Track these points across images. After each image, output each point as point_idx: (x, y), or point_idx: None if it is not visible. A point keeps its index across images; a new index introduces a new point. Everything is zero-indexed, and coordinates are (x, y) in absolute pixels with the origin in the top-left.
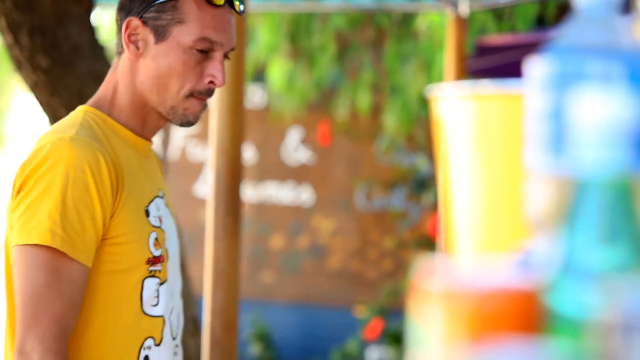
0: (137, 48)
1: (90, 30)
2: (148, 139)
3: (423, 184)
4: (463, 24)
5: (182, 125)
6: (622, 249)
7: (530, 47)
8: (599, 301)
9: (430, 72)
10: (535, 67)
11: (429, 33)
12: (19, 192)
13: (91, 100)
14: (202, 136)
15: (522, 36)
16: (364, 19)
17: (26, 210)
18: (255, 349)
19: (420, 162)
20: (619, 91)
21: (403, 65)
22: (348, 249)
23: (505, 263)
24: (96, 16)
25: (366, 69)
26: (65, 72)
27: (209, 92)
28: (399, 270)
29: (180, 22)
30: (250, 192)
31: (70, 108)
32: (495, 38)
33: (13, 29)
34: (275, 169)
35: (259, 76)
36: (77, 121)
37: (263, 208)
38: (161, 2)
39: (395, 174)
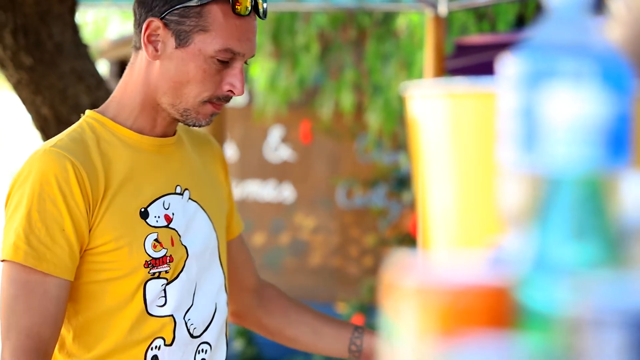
0: (156, 50)
1: (74, 29)
2: (161, 135)
3: (403, 182)
4: (442, 23)
5: (193, 126)
6: (592, 245)
7: (509, 47)
8: (570, 297)
9: (411, 71)
10: (508, 65)
11: (409, 32)
12: (5, 206)
13: (105, 103)
14: None
15: (500, 36)
16: (346, 18)
17: (4, 226)
18: (237, 345)
19: (403, 160)
20: (591, 89)
21: (384, 64)
22: (329, 246)
23: (478, 259)
24: (80, 15)
25: (348, 69)
26: (48, 70)
27: (227, 99)
28: (380, 267)
29: (203, 30)
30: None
31: (53, 107)
32: (475, 38)
33: None
34: (257, 167)
35: None
36: (70, 129)
37: (245, 205)
38: (185, 7)
39: (376, 172)
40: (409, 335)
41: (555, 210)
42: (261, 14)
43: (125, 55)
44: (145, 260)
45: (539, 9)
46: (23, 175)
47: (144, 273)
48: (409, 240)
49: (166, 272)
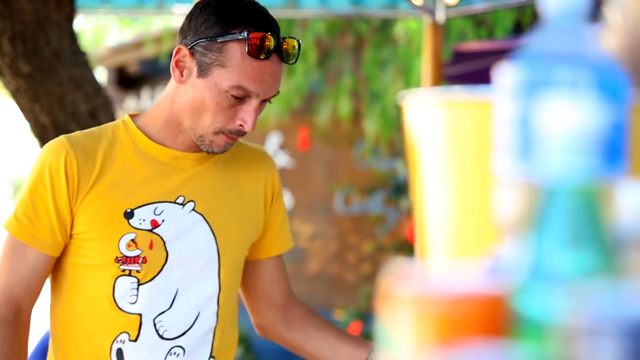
0: (181, 75)
1: (72, 37)
2: (183, 150)
3: (401, 189)
4: (440, 30)
5: (207, 152)
6: (588, 254)
7: (506, 53)
8: (565, 305)
9: (409, 78)
10: (504, 74)
11: (407, 39)
12: None
13: (146, 111)
14: None
15: (498, 42)
16: (343, 25)
17: None
18: (236, 352)
19: (400, 167)
20: (587, 99)
21: (382, 71)
22: (327, 253)
23: (475, 268)
24: (78, 22)
25: (346, 75)
26: (46, 78)
27: (239, 133)
28: (378, 274)
29: (222, 65)
30: None
31: (51, 114)
32: (472, 44)
33: None
34: None
35: None
36: (103, 125)
37: None
38: (210, 41)
39: (374, 179)
40: (405, 344)
41: (551, 219)
42: (288, 60)
43: (124, 63)
44: (116, 256)
45: (536, 16)
46: (36, 157)
47: (115, 268)
48: (406, 247)
49: (137, 271)
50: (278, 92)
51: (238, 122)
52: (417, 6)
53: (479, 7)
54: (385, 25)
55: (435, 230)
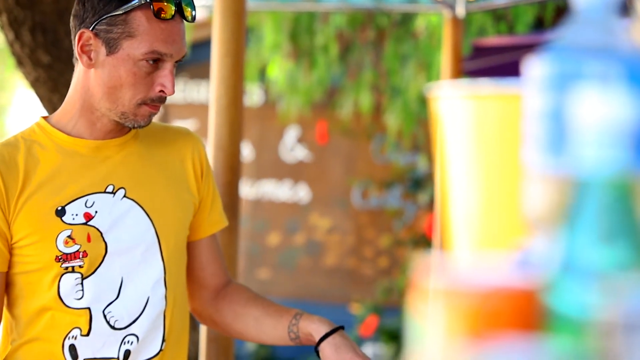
0: (90, 59)
1: None
2: (102, 138)
3: (419, 183)
4: (459, 25)
5: (133, 127)
6: (621, 248)
7: (526, 49)
8: (599, 300)
9: (430, 73)
10: (534, 67)
11: (428, 34)
12: None
13: (57, 110)
14: (201, 133)
15: (518, 38)
16: (364, 19)
17: None
18: (251, 345)
19: (421, 162)
20: (618, 92)
21: (403, 65)
22: (344, 246)
23: (505, 262)
24: None
25: (367, 69)
26: (65, 68)
27: (161, 99)
28: (394, 268)
29: (130, 35)
30: (247, 190)
31: None
32: (492, 39)
33: (15, 26)
34: (272, 166)
35: (258, 74)
36: (17, 132)
37: (260, 205)
38: (112, 16)
39: (392, 173)
40: (437, 337)
41: (584, 213)
42: (188, 18)
43: None
44: (56, 255)
45: (557, 11)
46: None
47: (57, 267)
48: (424, 241)
49: (80, 266)
50: (186, 54)
51: (158, 89)
52: (437, 0)
53: (499, 1)
54: (406, 19)
55: (460, 223)
